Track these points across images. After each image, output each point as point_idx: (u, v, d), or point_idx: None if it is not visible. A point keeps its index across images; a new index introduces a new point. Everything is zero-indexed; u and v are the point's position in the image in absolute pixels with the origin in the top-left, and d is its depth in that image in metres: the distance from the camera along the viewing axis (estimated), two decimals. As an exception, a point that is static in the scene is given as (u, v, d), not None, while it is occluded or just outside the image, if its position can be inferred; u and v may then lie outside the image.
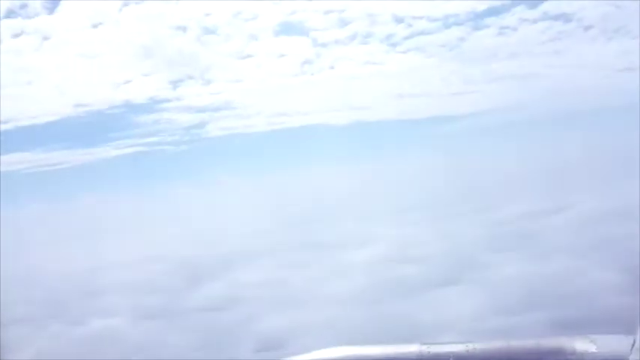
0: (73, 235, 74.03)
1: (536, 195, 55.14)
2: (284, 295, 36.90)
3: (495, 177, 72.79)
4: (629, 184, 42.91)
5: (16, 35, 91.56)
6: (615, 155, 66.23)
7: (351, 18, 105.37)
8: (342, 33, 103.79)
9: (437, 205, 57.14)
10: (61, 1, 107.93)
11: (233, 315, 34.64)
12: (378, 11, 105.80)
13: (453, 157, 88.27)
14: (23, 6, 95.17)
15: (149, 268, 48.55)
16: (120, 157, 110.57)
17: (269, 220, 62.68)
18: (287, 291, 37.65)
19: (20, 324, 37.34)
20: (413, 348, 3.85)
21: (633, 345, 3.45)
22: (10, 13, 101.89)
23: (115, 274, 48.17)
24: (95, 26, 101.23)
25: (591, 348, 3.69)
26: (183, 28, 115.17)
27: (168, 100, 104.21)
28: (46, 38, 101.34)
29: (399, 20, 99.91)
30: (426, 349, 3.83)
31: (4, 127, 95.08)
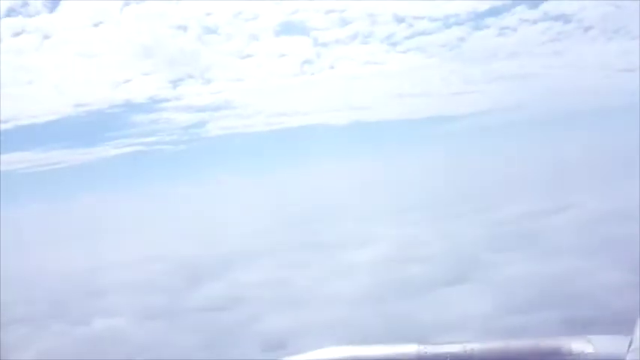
0: (73, 234, 74.07)
1: (537, 195, 55.15)
2: (286, 295, 36.89)
3: (495, 177, 72.83)
4: (629, 183, 42.98)
5: (17, 34, 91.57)
6: (615, 155, 66.29)
7: (352, 18, 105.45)
8: (342, 33, 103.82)
9: (438, 205, 57.15)
10: (62, 0, 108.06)
11: (235, 315, 34.63)
12: (379, 11, 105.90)
13: (453, 157, 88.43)
14: (24, 4, 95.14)
15: (150, 268, 48.55)
16: (119, 156, 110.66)
17: (269, 220, 62.73)
18: (289, 291, 37.64)
19: (20, 324, 37.39)
20: (411, 348, 3.86)
21: (630, 345, 3.46)
22: (11, 12, 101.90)
23: (116, 273, 48.18)
24: (96, 25, 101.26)
25: (589, 348, 3.71)
26: (184, 28, 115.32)
27: (167, 100, 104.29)
28: (46, 37, 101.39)
29: (399, 20, 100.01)
30: (423, 349, 3.84)
31: (4, 126, 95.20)
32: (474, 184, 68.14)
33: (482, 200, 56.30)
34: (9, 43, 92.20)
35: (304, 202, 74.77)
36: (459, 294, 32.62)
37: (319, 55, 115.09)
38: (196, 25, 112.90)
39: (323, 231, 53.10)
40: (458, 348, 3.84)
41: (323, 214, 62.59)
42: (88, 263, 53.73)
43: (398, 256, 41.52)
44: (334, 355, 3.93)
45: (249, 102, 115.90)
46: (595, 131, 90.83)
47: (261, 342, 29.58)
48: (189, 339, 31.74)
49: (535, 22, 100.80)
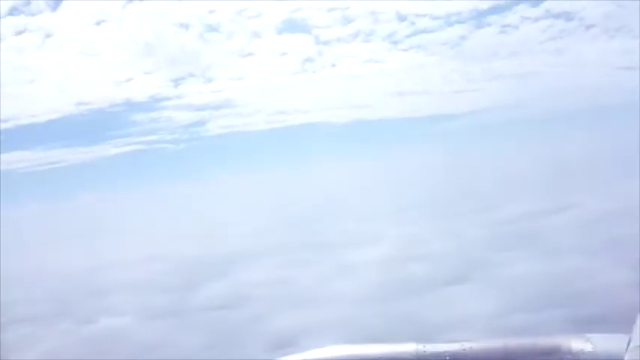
0: (73, 233, 74.12)
1: (538, 193, 55.18)
2: (288, 294, 36.92)
3: (496, 175, 72.82)
4: (629, 182, 42.96)
5: (19, 32, 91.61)
6: (616, 153, 66.28)
7: (355, 16, 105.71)
8: (344, 31, 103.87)
9: (438, 204, 57.22)
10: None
11: (238, 314, 34.67)
12: (381, 9, 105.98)
13: (454, 155, 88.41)
14: (27, 3, 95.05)
15: (151, 268, 48.60)
16: (119, 155, 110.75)
17: (270, 219, 62.77)
18: (291, 290, 37.67)
19: (21, 323, 37.42)
20: (409, 347, 3.86)
21: (629, 344, 3.45)
22: (14, 10, 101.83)
23: (118, 273, 48.24)
24: (98, 24, 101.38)
25: (587, 347, 3.70)
26: (186, 26, 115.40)
27: (168, 98, 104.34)
28: (48, 36, 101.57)
29: (402, 18, 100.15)
30: (422, 348, 3.84)
31: (4, 125, 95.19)
32: (475, 183, 68.17)
33: (482, 199, 56.33)
34: (11, 41, 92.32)
35: (305, 201, 74.81)
36: (460, 293, 32.65)
37: (321, 53, 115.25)
38: (198, 23, 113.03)
39: (324, 230, 53.15)
40: (457, 347, 3.84)
41: (324, 213, 62.66)
42: (89, 262, 53.77)
43: (399, 255, 41.57)
44: (332, 355, 3.92)
45: (249, 100, 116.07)
46: (595, 130, 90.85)
47: (264, 341, 29.60)
48: (193, 338, 31.77)
49: (537, 19, 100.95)
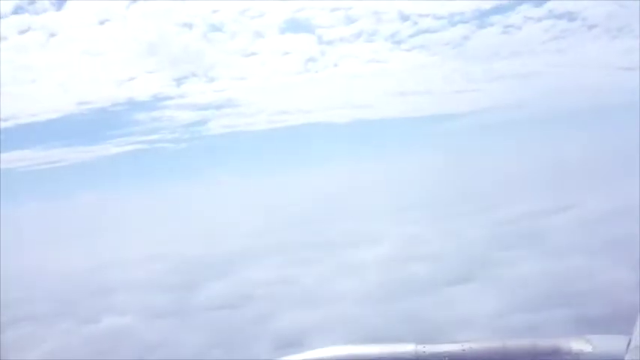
0: (74, 233, 74.07)
1: (538, 193, 55.10)
2: (290, 293, 36.89)
3: (497, 175, 72.75)
4: (629, 182, 42.87)
5: (23, 32, 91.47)
6: (616, 153, 66.17)
7: (358, 15, 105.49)
8: (347, 31, 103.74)
9: (440, 204, 57.13)
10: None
11: (240, 313, 34.67)
12: (384, 9, 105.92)
13: (455, 155, 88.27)
14: (31, 2, 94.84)
15: (154, 267, 48.57)
16: (120, 154, 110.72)
17: (272, 219, 62.69)
18: (293, 289, 37.65)
19: (22, 323, 37.40)
20: (409, 347, 3.86)
21: (629, 345, 3.45)
22: (18, 9, 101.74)
23: (120, 272, 48.20)
24: (102, 23, 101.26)
25: (587, 348, 3.70)
26: (190, 25, 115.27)
27: (171, 98, 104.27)
28: (52, 35, 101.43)
29: (404, 18, 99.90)
30: (422, 348, 3.84)
31: (4, 124, 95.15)
32: (476, 183, 68.07)
33: (483, 199, 56.27)
34: (14, 40, 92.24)
35: (306, 201, 74.70)
36: (461, 293, 32.63)
37: (323, 53, 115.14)
38: (202, 23, 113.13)
39: (325, 230, 53.07)
40: (456, 347, 3.84)
41: (325, 213, 62.59)
42: (90, 262, 53.70)
43: (400, 255, 41.54)
44: (333, 355, 3.93)
45: (251, 100, 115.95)
46: (596, 130, 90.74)
47: (265, 340, 29.59)
48: (194, 338, 31.75)
49: (540, 19, 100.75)
